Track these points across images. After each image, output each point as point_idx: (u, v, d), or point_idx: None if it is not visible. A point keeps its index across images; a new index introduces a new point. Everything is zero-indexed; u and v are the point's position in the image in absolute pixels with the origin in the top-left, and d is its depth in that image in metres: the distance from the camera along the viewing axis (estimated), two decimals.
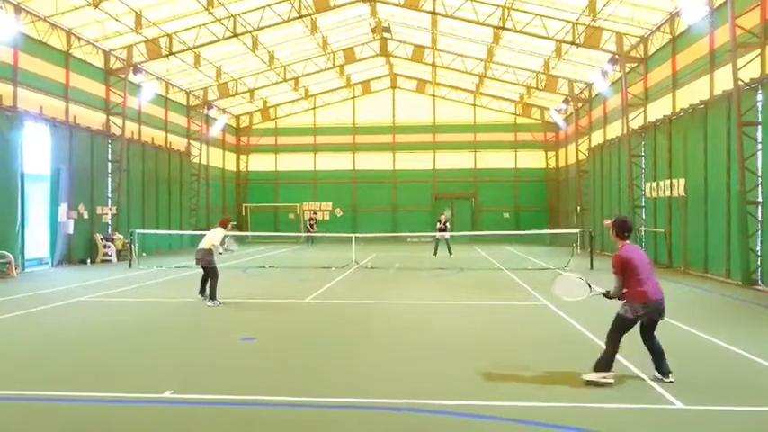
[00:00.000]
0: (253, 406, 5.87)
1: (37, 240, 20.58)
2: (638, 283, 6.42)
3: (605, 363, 6.46)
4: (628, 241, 6.79)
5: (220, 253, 12.56)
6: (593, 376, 6.46)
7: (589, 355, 7.88)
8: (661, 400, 5.98)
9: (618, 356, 6.62)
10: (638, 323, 6.54)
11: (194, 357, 7.91)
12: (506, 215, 38.66)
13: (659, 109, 21.35)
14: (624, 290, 6.51)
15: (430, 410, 5.67)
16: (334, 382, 6.67)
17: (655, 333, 6.62)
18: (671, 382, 6.43)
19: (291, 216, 40.12)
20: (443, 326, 10.03)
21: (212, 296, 12.06)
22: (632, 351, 7.75)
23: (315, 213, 38.20)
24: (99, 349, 8.41)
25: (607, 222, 6.56)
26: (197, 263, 12.52)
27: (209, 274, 12.24)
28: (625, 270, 6.48)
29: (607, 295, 6.64)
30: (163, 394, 6.12)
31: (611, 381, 6.42)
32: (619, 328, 6.52)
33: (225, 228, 12.88)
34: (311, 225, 34.77)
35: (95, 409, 5.80)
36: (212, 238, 12.50)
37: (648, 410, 5.72)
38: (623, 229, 6.82)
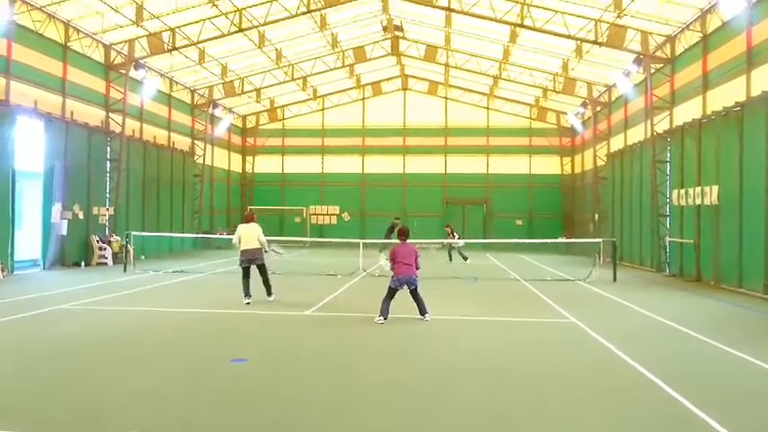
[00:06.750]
0: None
1: (29, 241, 19.58)
2: (397, 265, 10.64)
3: (383, 312, 10.58)
4: (404, 241, 11.02)
5: (265, 251, 13.00)
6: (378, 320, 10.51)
7: (628, 384, 6.74)
8: (707, 428, 4.84)
9: (659, 382, 6.77)
10: (402, 289, 10.71)
11: (172, 385, 6.76)
12: (519, 222, 37.46)
13: (687, 112, 20.13)
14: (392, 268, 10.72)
15: None
16: (334, 423, 5.55)
17: (418, 292, 10.84)
18: (427, 320, 10.67)
19: (298, 219, 39.10)
20: (461, 349, 8.87)
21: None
22: (681, 378, 6.61)
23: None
24: (54, 373, 7.28)
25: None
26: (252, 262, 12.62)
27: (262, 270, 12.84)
28: (393, 257, 10.75)
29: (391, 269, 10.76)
30: None
31: (382, 321, 10.41)
32: (389, 293, 10.75)
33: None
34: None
35: None
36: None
37: None
38: (402, 234, 11.25)
